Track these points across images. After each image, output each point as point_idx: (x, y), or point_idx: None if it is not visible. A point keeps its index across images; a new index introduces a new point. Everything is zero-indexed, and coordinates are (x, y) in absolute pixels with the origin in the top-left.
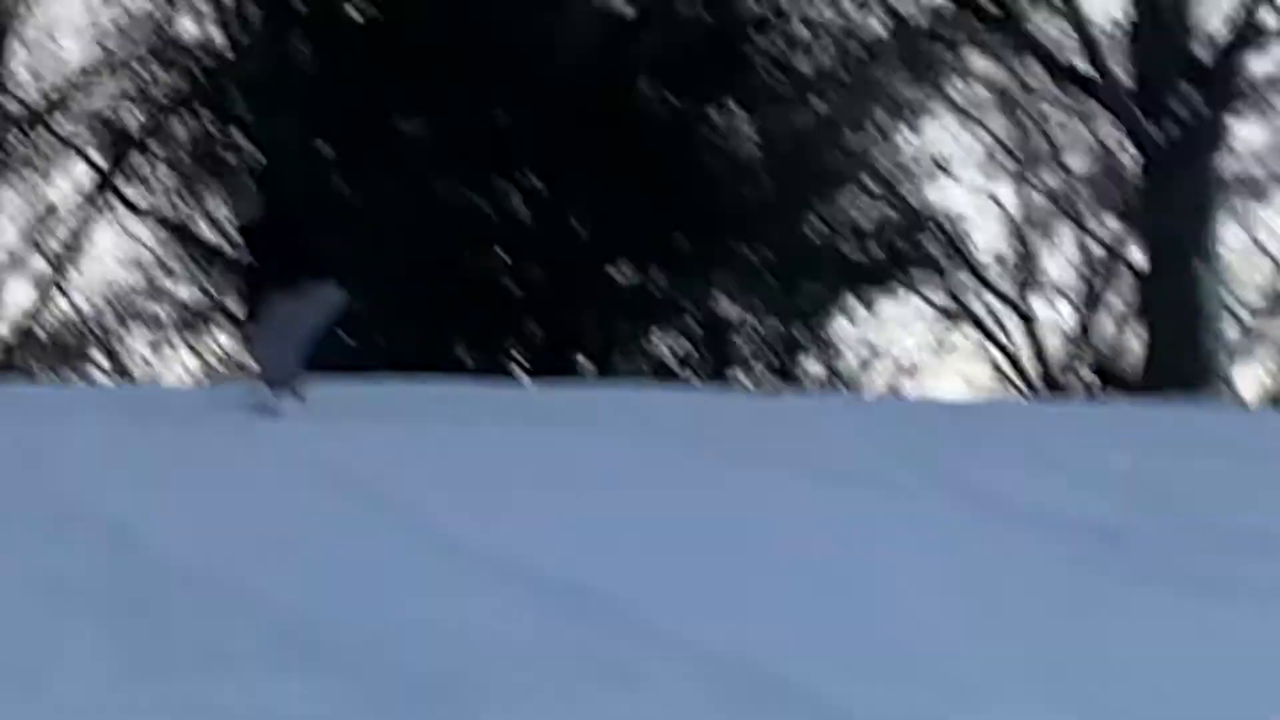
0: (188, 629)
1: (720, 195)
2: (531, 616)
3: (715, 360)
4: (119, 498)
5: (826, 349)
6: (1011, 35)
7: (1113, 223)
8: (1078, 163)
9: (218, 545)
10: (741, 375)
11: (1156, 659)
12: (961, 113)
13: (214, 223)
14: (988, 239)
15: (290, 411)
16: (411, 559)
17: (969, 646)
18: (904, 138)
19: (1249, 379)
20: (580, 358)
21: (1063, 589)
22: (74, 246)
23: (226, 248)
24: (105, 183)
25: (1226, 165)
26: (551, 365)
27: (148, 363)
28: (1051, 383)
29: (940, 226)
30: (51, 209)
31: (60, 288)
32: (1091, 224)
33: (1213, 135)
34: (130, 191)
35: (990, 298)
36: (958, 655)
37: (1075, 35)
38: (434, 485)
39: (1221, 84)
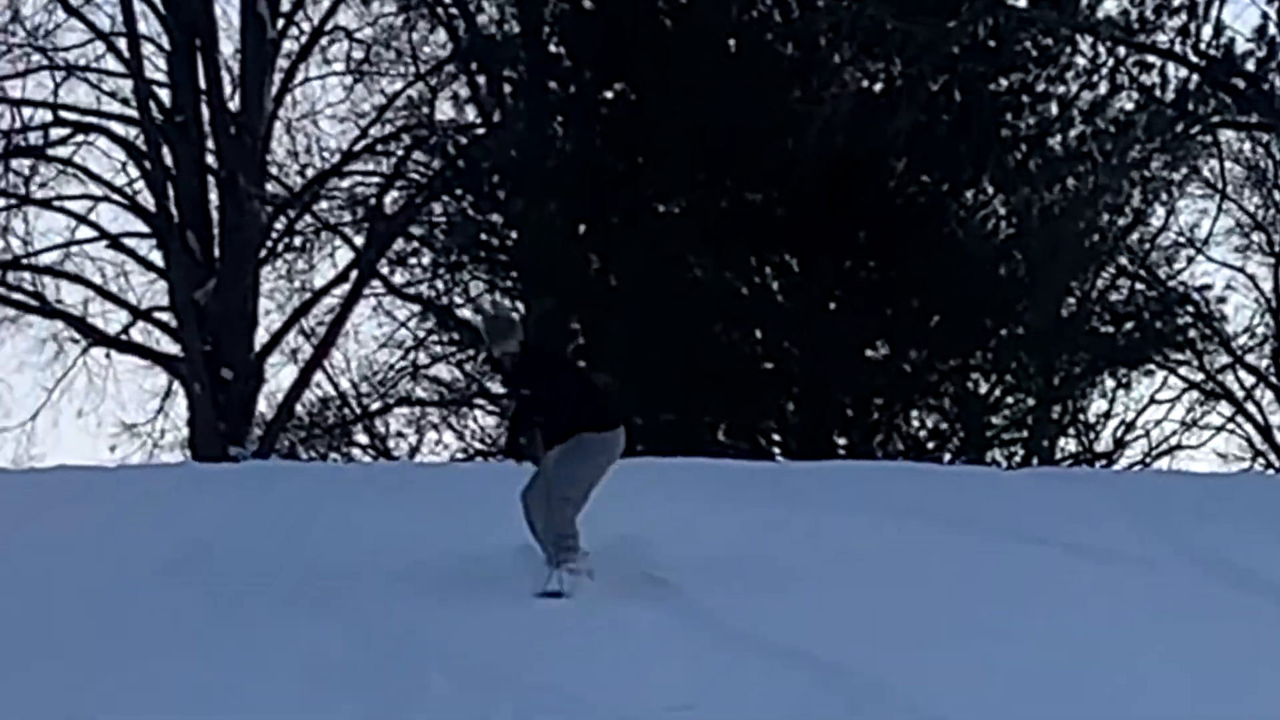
0: (446, 708)
1: (974, 274)
2: (804, 701)
3: (970, 438)
4: (376, 578)
5: (1081, 426)
6: (1262, 110)
7: None
8: None
9: (473, 627)
10: (997, 453)
11: None
12: (1213, 189)
13: (474, 303)
14: (1242, 316)
15: (572, 586)
16: (676, 640)
17: (1218, 711)
18: (1157, 215)
19: None
20: (836, 436)
21: None
22: (334, 326)
23: None
24: (365, 264)
25: None
26: (807, 444)
27: (407, 441)
28: None
29: (1194, 304)
30: (312, 290)
31: (321, 367)
32: None
33: None
34: (390, 273)
35: (1244, 374)
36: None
37: None
38: (695, 565)
39: None
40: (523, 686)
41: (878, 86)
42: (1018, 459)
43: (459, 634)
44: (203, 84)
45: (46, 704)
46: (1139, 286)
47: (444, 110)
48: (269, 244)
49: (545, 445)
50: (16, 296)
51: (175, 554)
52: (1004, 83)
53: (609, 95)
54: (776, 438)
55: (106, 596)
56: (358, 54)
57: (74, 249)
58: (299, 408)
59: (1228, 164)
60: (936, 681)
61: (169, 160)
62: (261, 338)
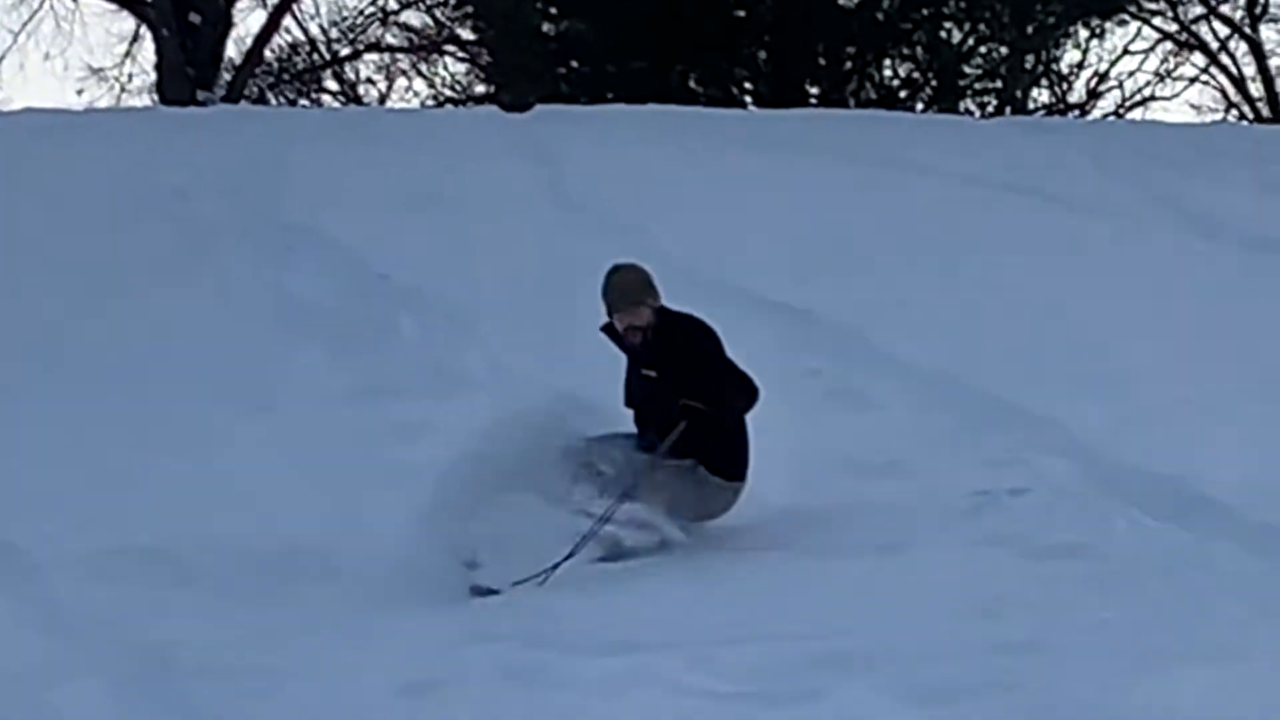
0: (415, 351)
1: None
2: (773, 341)
3: (943, 88)
4: (346, 221)
5: (1054, 76)
6: None
7: None
8: None
9: (449, 267)
10: (969, 102)
11: None
12: None
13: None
14: None
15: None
16: None
17: (1181, 364)
18: None
19: None
20: (808, 85)
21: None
22: None
23: None
24: None
25: None
26: (779, 92)
27: (376, 87)
28: (1276, 109)
29: None
30: None
31: (290, 11)
32: None
33: None
34: None
35: (1219, 25)
36: (1170, 372)
37: None
38: (664, 212)
39: None
40: (491, 330)
41: None
42: (990, 109)
43: (430, 279)
44: None
45: (29, 336)
46: None
47: None
48: None
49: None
50: None
51: (148, 197)
52: None
53: None
54: (748, 86)
55: (80, 237)
56: None
57: None
58: (268, 53)
59: None
60: (905, 326)
61: None
62: None
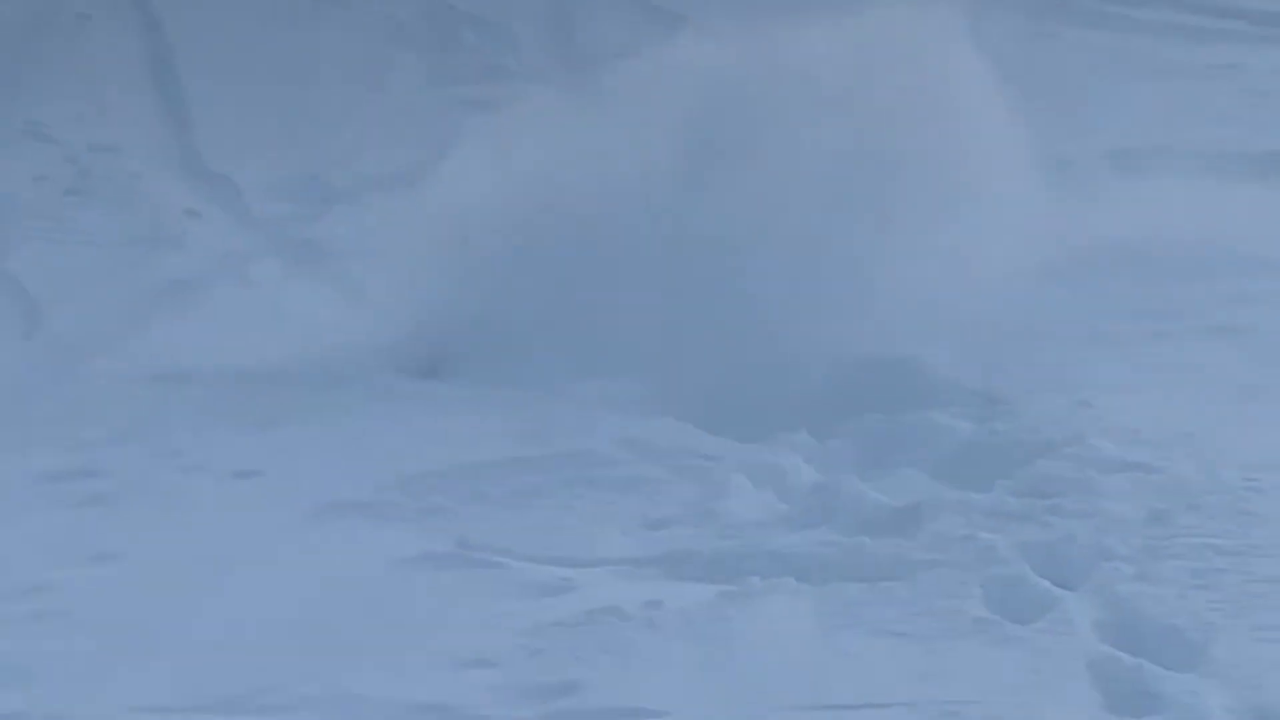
0: (474, 54)
1: None
2: None
3: None
4: None
5: None
6: None
7: None
8: None
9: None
10: None
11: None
12: None
13: None
14: None
15: None
16: None
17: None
18: None
19: None
20: None
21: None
22: None
23: None
24: None
25: None
26: None
27: None
28: None
29: None
30: None
31: None
32: None
33: None
34: None
35: None
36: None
37: None
38: None
39: None
40: (526, 40)
41: None
42: None
43: (482, 9)
44: None
45: (242, 50)
46: None
47: None
48: None
49: None
50: None
51: None
52: None
53: None
54: None
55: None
56: None
57: None
58: None
59: None
60: None
61: None
62: None
